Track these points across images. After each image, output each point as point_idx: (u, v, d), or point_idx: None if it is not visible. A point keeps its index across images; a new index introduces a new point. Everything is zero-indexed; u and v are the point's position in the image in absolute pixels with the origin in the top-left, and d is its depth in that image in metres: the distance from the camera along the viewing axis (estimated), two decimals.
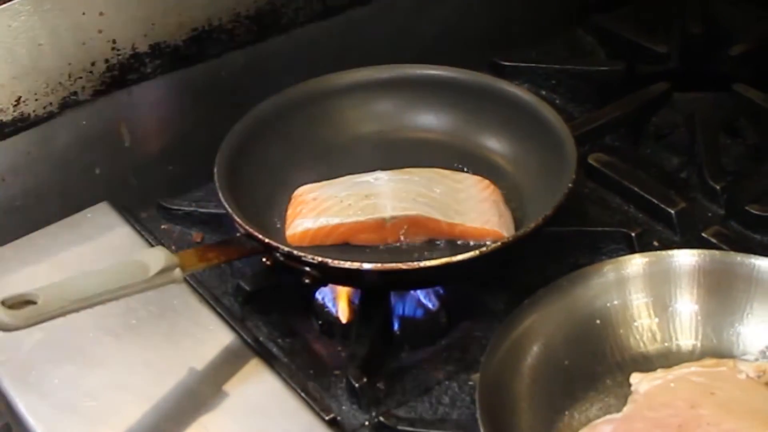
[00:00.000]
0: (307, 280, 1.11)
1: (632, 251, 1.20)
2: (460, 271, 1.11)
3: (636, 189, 1.29)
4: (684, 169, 1.38)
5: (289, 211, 1.22)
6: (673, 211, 1.24)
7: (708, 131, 1.38)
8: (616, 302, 1.06)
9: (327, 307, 1.20)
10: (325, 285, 1.16)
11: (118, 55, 1.31)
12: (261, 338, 1.13)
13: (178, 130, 1.40)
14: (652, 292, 1.07)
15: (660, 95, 1.44)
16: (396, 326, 1.18)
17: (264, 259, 1.13)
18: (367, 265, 1.08)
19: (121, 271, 1.01)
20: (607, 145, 1.40)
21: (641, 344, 1.06)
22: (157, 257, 1.03)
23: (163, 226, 1.30)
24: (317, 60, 1.41)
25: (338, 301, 1.20)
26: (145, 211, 1.32)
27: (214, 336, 1.11)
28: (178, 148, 1.40)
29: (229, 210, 1.14)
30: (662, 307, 1.07)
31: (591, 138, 1.37)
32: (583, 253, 1.22)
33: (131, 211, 1.28)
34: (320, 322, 1.19)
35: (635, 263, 1.07)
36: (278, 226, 1.22)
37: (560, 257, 1.21)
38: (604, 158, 1.34)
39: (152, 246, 1.22)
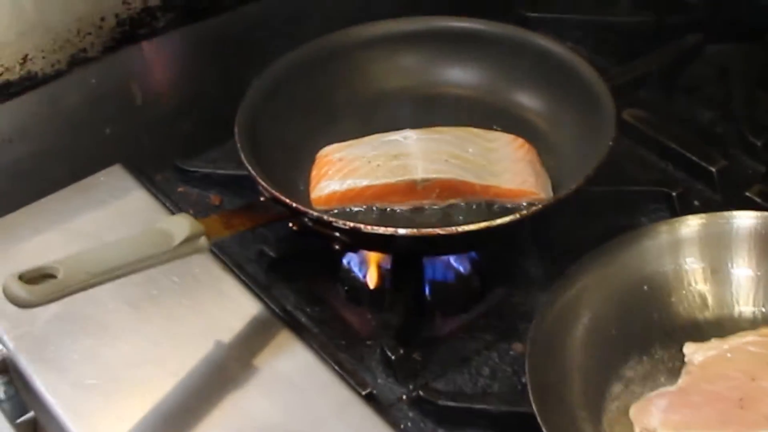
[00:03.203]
0: (337, 246, 1.05)
1: (672, 212, 1.15)
2: (498, 236, 1.05)
3: (674, 146, 1.23)
4: (718, 124, 1.32)
5: (314, 173, 1.16)
6: (714, 169, 1.19)
7: (744, 84, 1.33)
8: (667, 267, 1.01)
9: (354, 272, 1.15)
10: (355, 251, 1.11)
11: (129, 9, 1.25)
12: (288, 307, 1.08)
13: (192, 88, 1.34)
14: (706, 256, 1.02)
15: (693, 47, 1.37)
16: (427, 292, 1.13)
17: (291, 224, 1.07)
18: (402, 231, 1.02)
19: (144, 240, 0.96)
20: (640, 99, 1.34)
21: (693, 312, 1.00)
22: (181, 225, 0.97)
23: (179, 189, 1.24)
24: (338, 12, 1.34)
25: (367, 267, 1.14)
26: (160, 173, 1.26)
27: (240, 306, 1.05)
28: (193, 106, 1.34)
29: (253, 173, 1.08)
30: (717, 271, 1.01)
31: (624, 92, 1.31)
32: (620, 214, 1.17)
33: (146, 174, 1.22)
34: (347, 288, 1.14)
35: (690, 225, 1.02)
36: (301, 188, 1.16)
37: (597, 218, 1.15)
38: (639, 113, 1.28)
39: (170, 211, 1.16)
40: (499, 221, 1.02)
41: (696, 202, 1.18)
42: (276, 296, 1.09)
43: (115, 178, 1.21)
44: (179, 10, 1.28)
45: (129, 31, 1.25)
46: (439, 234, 1.02)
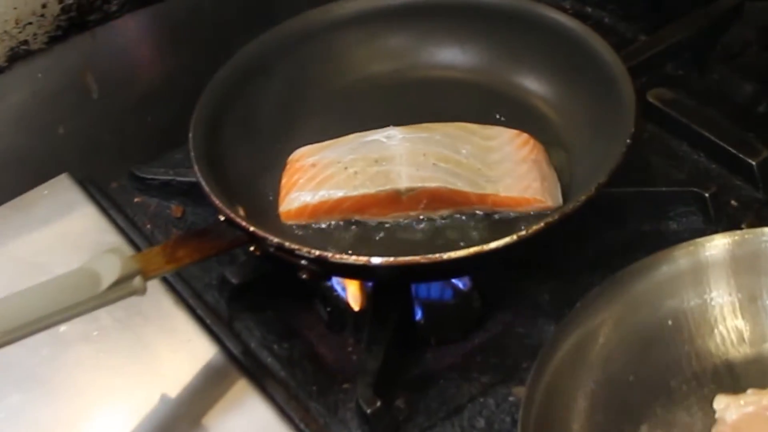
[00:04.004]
0: (303, 276, 0.90)
1: (705, 215, 1.00)
2: (493, 259, 0.89)
3: (707, 134, 1.06)
4: (762, 100, 1.15)
5: (284, 181, 1.01)
6: (754, 162, 1.03)
7: None
8: (691, 298, 0.85)
9: (337, 291, 0.99)
10: (327, 280, 0.95)
11: None
12: (253, 345, 0.93)
13: (155, 77, 1.23)
14: (739, 282, 0.85)
15: (732, 9, 1.18)
16: (419, 315, 0.97)
17: (252, 249, 0.92)
18: (376, 260, 0.86)
19: (64, 286, 0.81)
20: (668, 74, 1.17)
21: (726, 350, 0.84)
22: (111, 264, 0.82)
23: (136, 199, 1.09)
24: None
25: (349, 286, 0.99)
26: (116, 180, 1.10)
27: (193, 349, 0.91)
28: (157, 99, 1.21)
29: (206, 188, 0.93)
30: (753, 301, 0.84)
31: (650, 68, 1.14)
32: (646, 219, 1.02)
33: (97, 184, 1.07)
34: (329, 309, 0.98)
35: (715, 246, 0.85)
36: (271, 198, 1.02)
37: (618, 225, 1.01)
38: (666, 95, 1.11)
39: (120, 230, 1.01)
40: (491, 246, 0.86)
41: (733, 202, 1.03)
42: (238, 332, 0.94)
43: (61, 190, 1.07)
44: None
45: (77, 18, 1.12)
46: (419, 263, 0.85)
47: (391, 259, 0.87)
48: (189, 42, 1.19)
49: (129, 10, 1.14)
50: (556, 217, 0.88)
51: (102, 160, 1.16)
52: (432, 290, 1.00)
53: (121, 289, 0.82)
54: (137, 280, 0.83)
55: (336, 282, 1.00)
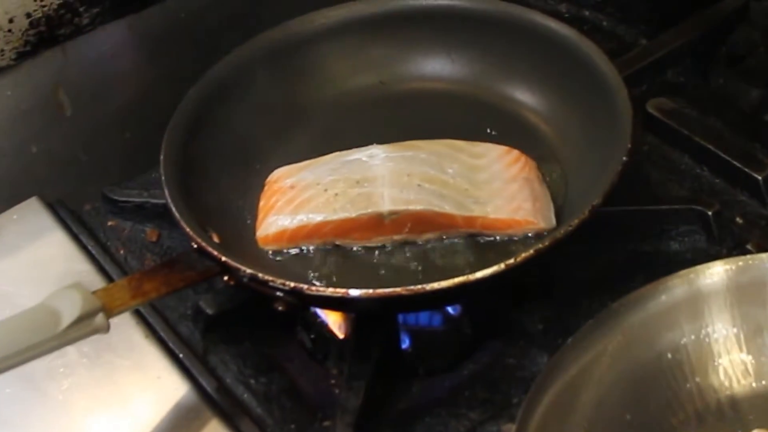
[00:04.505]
0: (280, 308, 0.85)
1: (708, 234, 0.94)
2: (480, 289, 0.83)
3: (710, 147, 1.01)
4: None
5: (261, 203, 0.96)
6: (760, 177, 0.97)
7: None
8: (692, 330, 0.79)
9: (320, 317, 0.94)
10: (304, 310, 0.89)
11: (43, 6, 1.05)
12: (228, 379, 0.88)
13: (132, 91, 1.18)
14: (743, 312, 0.79)
15: (736, 10, 1.13)
16: (406, 343, 0.92)
17: (226, 279, 0.87)
18: (355, 292, 0.81)
19: (21, 326, 0.76)
20: (669, 81, 1.11)
21: (729, 384, 0.78)
22: (71, 301, 0.77)
23: (110, 223, 1.04)
24: None
25: (330, 314, 0.94)
26: (90, 202, 1.05)
27: (164, 386, 0.86)
28: (134, 112, 1.18)
29: (176, 214, 0.88)
30: (758, 332, 0.79)
31: (650, 75, 1.09)
32: (645, 239, 0.97)
33: (68, 207, 1.03)
34: (312, 336, 0.93)
35: (716, 274, 0.79)
36: (249, 221, 0.96)
37: (616, 245, 0.96)
38: (667, 104, 1.05)
39: (92, 257, 0.96)
40: (478, 275, 0.80)
41: (738, 219, 0.97)
42: (213, 366, 0.89)
43: (30, 215, 1.01)
44: (105, 3, 1.08)
45: (46, 32, 1.07)
46: (400, 294, 0.80)
47: (371, 291, 0.81)
48: (167, 54, 1.14)
49: (102, 22, 1.09)
50: (547, 243, 0.82)
51: (76, 181, 1.11)
52: (420, 317, 0.95)
53: (82, 327, 0.77)
54: (99, 318, 0.78)
55: (320, 310, 0.95)
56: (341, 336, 0.94)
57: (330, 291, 0.82)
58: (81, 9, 1.07)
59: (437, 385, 0.89)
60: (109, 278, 0.95)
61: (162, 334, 0.90)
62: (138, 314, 0.91)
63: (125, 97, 1.15)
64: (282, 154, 1.00)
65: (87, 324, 0.77)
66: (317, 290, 0.82)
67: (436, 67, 1.07)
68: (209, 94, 1.00)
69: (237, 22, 1.12)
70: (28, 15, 1.04)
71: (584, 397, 0.77)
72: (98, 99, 1.13)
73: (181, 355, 0.88)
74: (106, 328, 0.78)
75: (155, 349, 0.88)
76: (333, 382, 0.90)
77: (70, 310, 0.76)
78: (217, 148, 0.98)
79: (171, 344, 0.89)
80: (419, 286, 0.80)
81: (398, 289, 0.81)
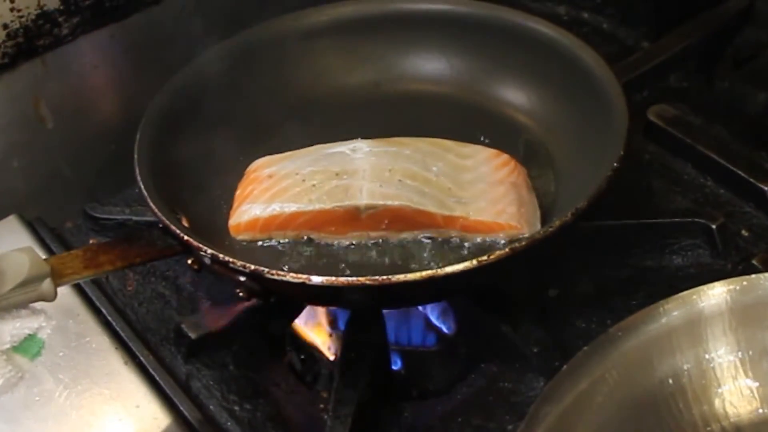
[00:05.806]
0: (240, 294, 0.81)
1: (713, 247, 0.91)
2: (452, 287, 0.81)
3: (714, 156, 0.97)
4: None
5: (238, 192, 0.94)
6: (766, 188, 0.93)
7: None
8: (693, 355, 0.75)
9: (310, 337, 0.91)
10: (267, 301, 0.85)
11: (20, 17, 1.01)
12: (211, 406, 0.85)
13: (115, 103, 1.13)
14: (746, 334, 0.75)
15: (742, 11, 1.08)
16: (399, 365, 0.88)
17: (189, 262, 0.84)
18: (316, 279, 0.77)
19: None
20: (671, 87, 1.07)
21: (735, 411, 0.74)
22: (18, 263, 0.73)
23: (91, 241, 1.01)
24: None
25: (318, 332, 0.91)
26: (72, 219, 1.02)
27: (144, 416, 0.82)
28: (119, 124, 1.13)
29: (144, 191, 0.86)
30: (764, 355, 0.75)
31: (651, 79, 1.05)
32: (647, 253, 0.93)
33: (48, 225, 0.99)
34: (302, 357, 0.90)
35: (717, 295, 0.75)
36: (224, 212, 0.93)
37: (617, 261, 0.93)
38: (669, 112, 1.02)
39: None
40: (447, 270, 0.77)
41: (744, 231, 0.93)
42: (196, 393, 0.86)
43: (8, 234, 0.98)
44: (87, 12, 1.04)
45: (24, 44, 1.03)
46: (364, 284, 0.77)
47: (333, 278, 0.78)
48: (151, 63, 1.09)
49: (83, 32, 1.05)
50: (524, 243, 0.78)
51: (59, 196, 1.07)
52: (413, 337, 0.92)
53: (27, 291, 0.74)
54: (47, 284, 0.75)
55: (309, 329, 0.92)
56: (332, 357, 0.90)
57: (290, 276, 0.78)
58: (60, 19, 1.03)
59: (429, 410, 0.86)
60: (89, 300, 0.92)
61: (142, 359, 0.86)
62: (117, 339, 0.87)
63: (109, 108, 1.11)
64: (269, 147, 0.97)
65: (32, 288, 0.74)
66: (278, 274, 0.78)
67: (432, 69, 1.05)
68: (192, 87, 0.97)
69: (221, 28, 1.08)
70: (5, 26, 1.00)
71: (581, 428, 0.73)
72: (81, 111, 1.09)
73: (162, 383, 0.84)
74: (53, 296, 0.75)
75: (135, 376, 0.85)
76: (322, 406, 0.87)
77: (16, 271, 0.73)
78: (200, 138, 0.96)
79: (152, 370, 0.85)
80: (384, 277, 0.76)
81: (361, 279, 0.77)
